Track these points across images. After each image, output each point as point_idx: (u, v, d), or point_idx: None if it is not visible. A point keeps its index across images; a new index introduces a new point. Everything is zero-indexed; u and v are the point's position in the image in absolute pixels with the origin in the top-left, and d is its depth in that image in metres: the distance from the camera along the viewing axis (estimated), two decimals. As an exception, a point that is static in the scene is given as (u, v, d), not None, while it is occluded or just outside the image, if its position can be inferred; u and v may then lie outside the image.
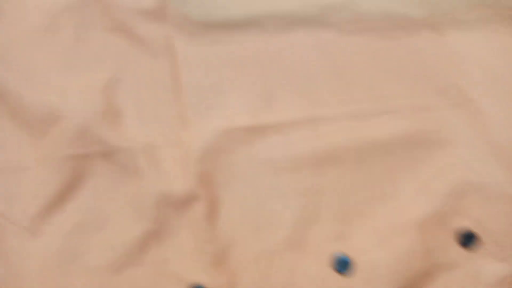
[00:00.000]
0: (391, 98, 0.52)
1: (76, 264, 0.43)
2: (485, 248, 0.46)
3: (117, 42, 0.51)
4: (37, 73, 0.49)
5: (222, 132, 0.48)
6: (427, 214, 0.47)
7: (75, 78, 0.49)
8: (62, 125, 0.47)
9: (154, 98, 0.49)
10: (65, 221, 0.45)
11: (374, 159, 0.49)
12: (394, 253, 0.45)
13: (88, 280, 0.43)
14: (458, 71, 0.53)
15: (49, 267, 0.43)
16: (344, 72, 0.52)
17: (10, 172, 0.46)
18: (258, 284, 0.44)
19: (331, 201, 0.48)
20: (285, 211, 0.47)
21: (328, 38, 0.53)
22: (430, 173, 0.49)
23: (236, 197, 0.47)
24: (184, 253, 0.44)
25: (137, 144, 0.47)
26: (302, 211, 0.47)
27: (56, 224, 0.45)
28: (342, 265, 0.45)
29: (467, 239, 0.46)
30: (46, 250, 0.43)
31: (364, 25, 0.53)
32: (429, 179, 0.48)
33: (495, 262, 0.45)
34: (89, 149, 0.47)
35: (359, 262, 0.45)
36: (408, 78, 0.52)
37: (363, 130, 0.50)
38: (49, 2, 0.50)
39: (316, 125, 0.50)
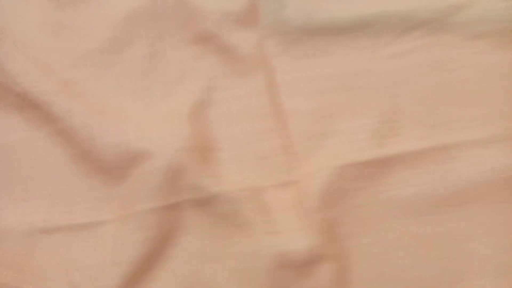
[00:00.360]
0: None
1: None
2: None
3: (202, 57, 0.40)
4: (107, 102, 0.38)
5: (341, 169, 0.38)
6: None
7: (153, 106, 0.39)
8: (143, 167, 0.37)
9: (252, 127, 0.39)
10: (156, 294, 0.35)
11: None
12: None
13: None
14: None
15: None
16: (471, 85, 0.42)
17: (83, 231, 0.36)
18: None
19: (483, 251, 0.38)
20: (428, 266, 0.37)
21: (451, 44, 0.43)
22: None
23: (369, 252, 0.37)
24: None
25: (238, 188, 0.37)
26: (448, 266, 0.37)
27: (146, 298, 0.35)
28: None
29: None
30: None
31: (490, 28, 0.43)
32: None
33: None
34: (179, 197, 0.37)
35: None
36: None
37: (509, 158, 0.40)
38: (117, 11, 0.40)
39: (451, 155, 0.40)
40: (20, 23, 0.39)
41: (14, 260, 0.36)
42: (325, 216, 0.37)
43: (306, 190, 0.38)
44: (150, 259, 0.35)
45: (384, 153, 0.39)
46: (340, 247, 0.37)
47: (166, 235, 0.36)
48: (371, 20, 0.43)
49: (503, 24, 0.43)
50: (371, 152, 0.39)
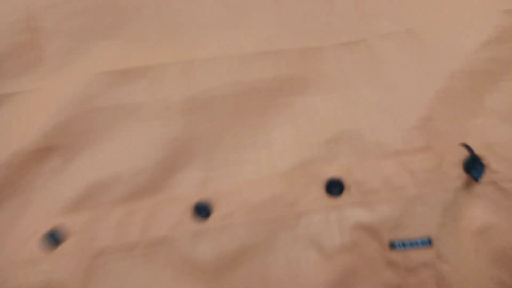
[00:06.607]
0: (277, 40, 0.49)
1: None
2: (350, 195, 0.45)
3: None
4: None
5: (86, 79, 0.46)
6: (296, 163, 0.46)
7: None
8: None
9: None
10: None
11: (250, 104, 0.47)
12: (256, 200, 0.44)
13: None
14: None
15: None
16: (230, 9, 0.49)
17: None
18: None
19: (199, 149, 0.46)
20: (147, 159, 0.46)
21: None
22: (308, 120, 0.47)
23: (94, 146, 0.45)
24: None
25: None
26: (167, 158, 0.46)
27: None
28: (201, 211, 0.44)
29: (334, 187, 0.45)
30: None
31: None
32: (306, 126, 0.47)
33: (357, 208, 0.45)
34: None
35: (218, 208, 0.45)
36: (306, 23, 0.49)
37: (242, 73, 0.47)
38: None
39: (189, 69, 0.47)
40: None
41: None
42: (63, 116, 0.45)
43: (52, 97, 0.46)
44: None
45: (126, 67, 0.47)
46: (69, 141, 0.46)
47: None
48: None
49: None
50: (115, 65, 0.47)
